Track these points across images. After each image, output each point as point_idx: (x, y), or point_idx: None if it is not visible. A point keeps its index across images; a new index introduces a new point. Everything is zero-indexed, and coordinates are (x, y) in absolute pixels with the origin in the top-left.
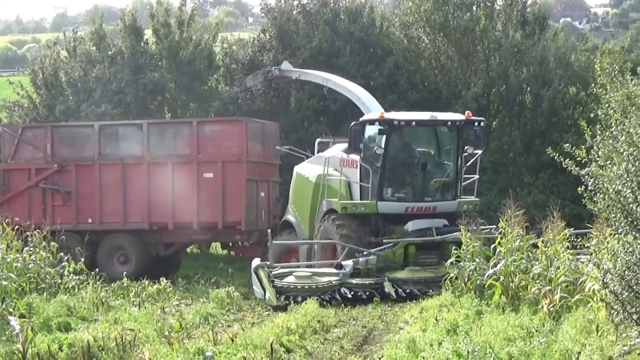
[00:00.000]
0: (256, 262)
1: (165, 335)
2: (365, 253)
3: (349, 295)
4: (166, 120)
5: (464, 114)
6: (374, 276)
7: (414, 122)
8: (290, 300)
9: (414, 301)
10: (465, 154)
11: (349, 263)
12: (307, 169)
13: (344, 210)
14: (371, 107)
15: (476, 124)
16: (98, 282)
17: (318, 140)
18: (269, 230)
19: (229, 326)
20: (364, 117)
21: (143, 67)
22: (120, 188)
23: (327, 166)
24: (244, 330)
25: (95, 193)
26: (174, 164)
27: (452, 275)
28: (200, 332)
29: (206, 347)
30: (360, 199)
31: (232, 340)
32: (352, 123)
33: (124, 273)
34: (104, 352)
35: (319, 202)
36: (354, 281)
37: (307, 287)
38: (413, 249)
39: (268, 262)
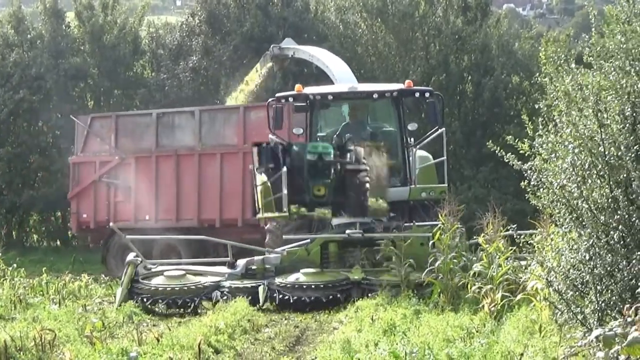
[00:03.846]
0: (130, 257)
1: (87, 334)
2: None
3: (220, 300)
4: (217, 107)
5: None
6: (260, 279)
7: (330, 96)
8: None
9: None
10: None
11: (241, 262)
12: None
13: None
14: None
15: (418, 94)
16: (16, 278)
17: None
18: (112, 223)
19: (154, 325)
20: (280, 93)
21: (64, 51)
22: (173, 182)
23: None
24: (170, 330)
25: (152, 187)
26: (222, 154)
27: (355, 278)
28: (124, 331)
29: (130, 348)
30: None
31: (158, 341)
32: (268, 100)
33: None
34: (21, 353)
35: None
36: (228, 284)
37: (169, 289)
38: (334, 247)
39: (140, 258)
